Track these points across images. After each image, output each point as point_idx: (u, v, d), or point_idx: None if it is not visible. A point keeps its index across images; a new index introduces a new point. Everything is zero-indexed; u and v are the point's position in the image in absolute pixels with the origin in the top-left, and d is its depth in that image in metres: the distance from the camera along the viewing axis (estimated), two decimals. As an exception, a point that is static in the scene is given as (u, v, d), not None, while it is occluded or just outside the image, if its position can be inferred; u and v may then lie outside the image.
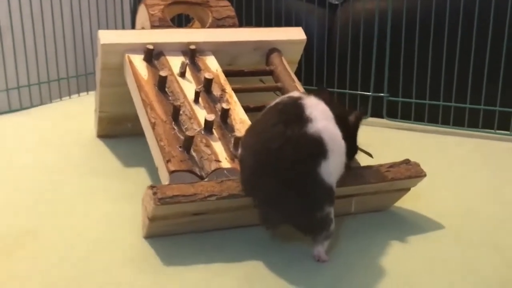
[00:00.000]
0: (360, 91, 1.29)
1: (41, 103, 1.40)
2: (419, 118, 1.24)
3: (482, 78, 1.16)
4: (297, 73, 1.31)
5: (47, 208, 0.83)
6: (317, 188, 0.66)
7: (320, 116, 0.69)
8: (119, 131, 1.10)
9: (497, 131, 1.17)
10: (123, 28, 1.56)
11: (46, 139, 1.13)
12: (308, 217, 0.67)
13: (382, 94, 1.26)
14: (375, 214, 0.83)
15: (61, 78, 1.45)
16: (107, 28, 1.54)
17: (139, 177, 0.93)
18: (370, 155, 0.86)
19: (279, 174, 0.65)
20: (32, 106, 1.38)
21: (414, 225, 0.81)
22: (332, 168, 0.67)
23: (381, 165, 0.80)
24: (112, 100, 1.04)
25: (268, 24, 1.35)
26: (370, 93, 1.28)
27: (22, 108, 1.36)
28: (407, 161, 0.81)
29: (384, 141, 1.18)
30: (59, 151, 1.05)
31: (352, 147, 0.76)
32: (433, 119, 1.23)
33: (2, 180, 0.93)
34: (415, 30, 1.21)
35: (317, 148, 0.66)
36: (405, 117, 1.25)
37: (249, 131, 0.72)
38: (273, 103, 0.73)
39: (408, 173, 0.79)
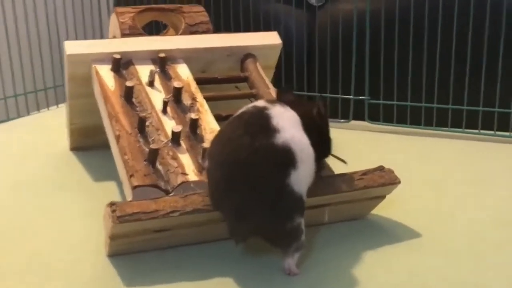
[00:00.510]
0: (341, 94, 1.26)
1: (18, 116, 1.37)
2: (401, 121, 1.22)
3: (464, 78, 1.13)
4: (278, 78, 1.29)
5: (6, 226, 0.80)
6: (287, 199, 0.64)
7: (287, 125, 0.67)
8: (92, 143, 1.07)
9: (481, 131, 1.14)
10: (102, 38, 1.53)
11: (17, 153, 1.10)
12: (277, 228, 0.64)
13: (363, 97, 1.24)
14: (350, 223, 0.80)
15: (38, 90, 1.43)
16: (85, 38, 1.52)
17: (109, 192, 0.90)
18: (344, 162, 0.83)
19: (246, 186, 0.63)
20: (8, 119, 1.35)
21: (390, 233, 0.78)
22: (302, 178, 0.65)
23: (354, 173, 0.77)
24: (82, 111, 1.01)
25: (247, 28, 1.33)
26: (351, 96, 1.25)
27: (9, 119, 1.34)
28: (381, 168, 0.78)
29: (365, 145, 1.15)
30: (28, 166, 1.03)
31: (324, 143, 0.73)
32: (416, 121, 1.20)
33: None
34: (394, 32, 1.18)
35: (286, 158, 0.64)
36: (388, 120, 1.23)
37: (214, 142, 0.70)
38: (238, 113, 0.71)
39: (382, 180, 0.76)
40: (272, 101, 0.72)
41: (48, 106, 1.44)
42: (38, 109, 1.41)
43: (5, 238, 0.78)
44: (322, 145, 0.72)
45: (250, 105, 0.71)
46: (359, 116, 1.26)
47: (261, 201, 0.63)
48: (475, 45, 1.13)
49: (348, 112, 1.26)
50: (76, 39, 1.46)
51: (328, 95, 1.27)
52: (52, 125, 1.26)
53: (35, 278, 0.68)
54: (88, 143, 1.07)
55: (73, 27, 1.49)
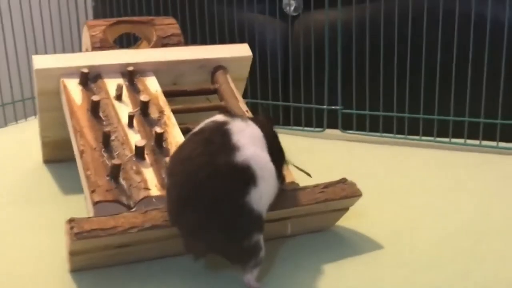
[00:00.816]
0: (315, 104, 1.27)
1: None
2: (374, 129, 1.23)
3: (435, 87, 1.14)
4: (253, 88, 1.30)
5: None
6: (245, 217, 0.64)
7: (248, 142, 0.67)
8: (65, 155, 1.07)
9: (452, 140, 1.15)
10: (80, 50, 1.53)
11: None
12: (235, 247, 0.65)
13: (336, 107, 1.25)
14: (314, 235, 0.81)
15: (15, 101, 1.43)
16: (63, 49, 1.52)
17: (78, 206, 0.90)
18: (308, 174, 0.84)
19: (203, 205, 0.63)
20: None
21: (353, 245, 0.79)
22: (262, 195, 0.66)
23: (316, 186, 0.78)
24: (53, 124, 1.01)
25: (222, 39, 1.33)
26: (324, 106, 1.26)
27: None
28: (343, 181, 0.79)
29: (337, 154, 1.16)
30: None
31: (280, 152, 0.74)
32: (388, 129, 1.21)
33: None
34: (365, 42, 1.19)
35: (245, 176, 0.64)
36: (361, 128, 1.24)
37: (173, 159, 0.70)
38: (197, 128, 0.71)
39: (344, 193, 0.77)
40: (232, 115, 0.72)
41: (16, 119, 1.43)
42: (5, 123, 1.41)
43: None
44: (279, 155, 0.72)
45: (209, 120, 0.71)
46: (333, 125, 1.27)
47: (218, 220, 0.63)
48: (444, 55, 1.14)
49: (322, 121, 1.27)
50: (54, 51, 1.47)
51: (302, 105, 1.28)
52: (23, 138, 1.26)
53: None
54: (62, 155, 1.08)
55: (51, 39, 1.49)
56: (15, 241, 0.81)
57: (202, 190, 0.63)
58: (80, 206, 0.90)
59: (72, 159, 1.07)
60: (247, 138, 0.67)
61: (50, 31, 1.49)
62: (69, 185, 0.99)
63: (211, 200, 0.63)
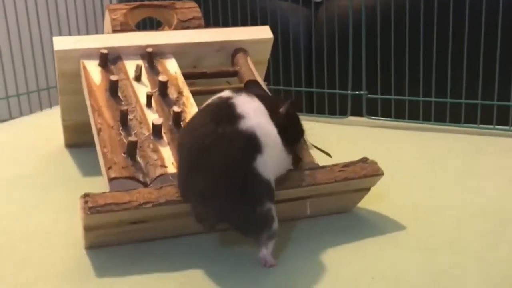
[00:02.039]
0: (339, 89, 1.25)
1: (11, 118, 1.38)
2: (400, 116, 1.20)
3: (462, 71, 1.11)
4: (276, 74, 1.29)
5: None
6: (254, 182, 0.63)
7: (252, 113, 0.67)
8: (86, 140, 1.07)
9: (480, 126, 1.12)
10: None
11: (12, 151, 1.11)
12: (247, 213, 0.63)
13: (361, 92, 1.22)
14: (335, 216, 0.79)
15: (30, 92, 1.44)
16: (87, 33, 1.53)
17: (97, 187, 0.90)
18: (329, 155, 0.82)
19: (212, 171, 0.63)
20: (1, 121, 1.36)
21: (374, 227, 0.76)
22: (269, 163, 0.65)
23: (335, 165, 0.76)
24: (74, 108, 1.01)
25: (244, 25, 1.32)
26: (348, 91, 1.23)
27: (0, 121, 1.35)
28: (364, 160, 0.77)
29: (361, 140, 1.13)
30: (22, 162, 1.03)
31: (289, 139, 0.72)
32: (414, 116, 1.18)
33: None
34: (390, 26, 1.17)
35: (251, 143, 0.64)
36: (386, 115, 1.21)
37: (182, 132, 0.70)
38: (204, 104, 0.71)
39: (364, 172, 0.75)
40: (237, 91, 0.72)
41: (41, 108, 1.44)
42: (31, 111, 1.42)
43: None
44: (289, 135, 0.71)
45: (216, 96, 0.71)
46: (357, 112, 1.24)
47: (227, 185, 0.62)
48: (472, 39, 1.10)
49: (346, 108, 1.25)
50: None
51: (326, 90, 1.26)
52: (48, 124, 1.27)
53: (11, 266, 0.68)
54: (83, 139, 1.08)
55: (67, 27, 1.50)
56: (35, 220, 0.81)
57: (208, 157, 0.63)
58: (99, 188, 0.89)
59: (93, 144, 1.08)
60: (251, 110, 0.67)
61: (74, 16, 1.50)
62: (89, 168, 0.98)
63: (218, 166, 0.62)
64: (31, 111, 1.44)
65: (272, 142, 0.66)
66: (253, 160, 0.63)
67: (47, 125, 1.27)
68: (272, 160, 0.65)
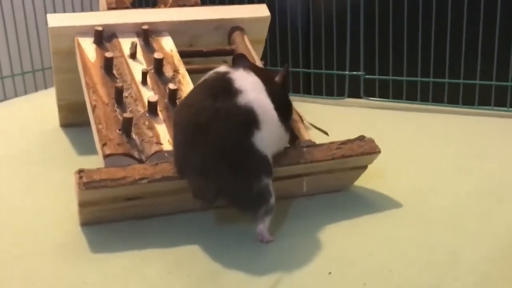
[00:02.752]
0: (336, 70, 1.24)
1: (5, 98, 1.37)
2: (397, 96, 1.19)
3: (461, 52, 1.10)
4: (273, 55, 1.27)
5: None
6: (252, 157, 0.63)
7: (250, 88, 0.66)
8: (81, 119, 1.06)
9: (478, 106, 1.11)
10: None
11: (7, 130, 1.10)
12: (244, 188, 0.63)
13: (358, 73, 1.21)
14: (332, 194, 0.78)
15: (25, 72, 1.42)
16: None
17: (92, 165, 0.89)
18: (326, 133, 0.81)
19: (209, 146, 0.62)
20: (5, 98, 1.35)
21: (372, 204, 0.76)
22: (266, 139, 0.64)
23: (332, 143, 0.75)
24: (68, 87, 1.00)
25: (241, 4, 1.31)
26: (346, 72, 1.22)
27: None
28: (361, 138, 0.76)
29: (359, 121, 1.13)
30: (18, 141, 1.03)
31: (286, 108, 0.72)
32: (412, 97, 1.18)
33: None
34: (389, 6, 1.15)
35: (248, 118, 0.64)
36: (384, 95, 1.20)
37: (178, 108, 0.69)
38: (201, 79, 0.70)
39: (361, 149, 0.74)
40: (234, 66, 0.71)
41: (36, 89, 1.43)
42: (25, 92, 1.41)
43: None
44: (283, 108, 0.70)
45: (212, 71, 0.70)
46: (355, 93, 1.24)
47: (225, 160, 0.62)
48: (470, 19, 1.09)
49: (343, 89, 1.24)
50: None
51: (323, 71, 1.25)
52: (43, 104, 1.26)
53: (7, 240, 0.68)
54: (78, 119, 1.07)
55: (62, 7, 1.48)
56: (30, 197, 0.80)
57: (206, 133, 0.62)
58: (95, 166, 0.89)
59: (88, 124, 1.07)
60: (249, 85, 0.66)
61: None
62: (84, 147, 0.98)
63: (215, 141, 0.62)
64: (26, 92, 1.42)
65: (269, 118, 0.66)
66: (251, 135, 0.63)
67: (42, 106, 1.26)
68: (269, 135, 0.65)
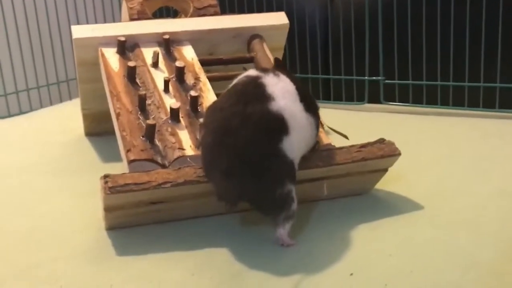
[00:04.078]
0: (356, 76, 1.25)
1: (31, 110, 1.40)
2: (417, 101, 1.19)
3: (480, 54, 1.10)
4: (292, 61, 1.29)
5: (19, 199, 0.84)
6: (278, 163, 0.64)
7: (281, 94, 0.67)
8: (106, 128, 1.09)
9: (499, 109, 1.11)
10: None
11: (33, 139, 1.13)
12: (268, 193, 0.64)
13: (378, 78, 1.22)
14: (353, 198, 0.79)
15: (50, 84, 1.46)
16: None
17: (116, 172, 0.91)
18: (346, 137, 0.82)
19: (237, 149, 0.63)
20: (21, 112, 1.38)
21: (392, 207, 0.76)
22: (294, 145, 0.65)
23: (352, 146, 0.76)
24: (93, 96, 1.03)
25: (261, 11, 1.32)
26: (365, 77, 1.23)
27: (21, 113, 1.37)
28: (381, 140, 0.77)
29: (379, 126, 1.13)
30: (43, 151, 1.05)
31: (315, 113, 0.73)
32: (432, 101, 1.18)
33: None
34: (407, 11, 1.16)
35: (278, 124, 0.65)
36: (403, 100, 1.20)
37: (208, 112, 0.70)
38: (232, 84, 0.71)
39: (381, 152, 0.75)
40: (264, 70, 0.72)
41: (61, 99, 1.46)
42: (51, 103, 1.44)
43: (16, 210, 0.81)
44: (313, 114, 0.71)
45: (243, 75, 0.71)
46: (374, 98, 1.24)
47: (251, 164, 0.62)
48: (489, 23, 1.09)
49: (363, 94, 1.24)
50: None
51: (342, 77, 1.26)
52: (68, 114, 1.29)
53: (34, 245, 0.70)
54: (102, 128, 1.09)
55: (85, 20, 1.52)
56: (56, 203, 0.82)
57: (235, 136, 0.63)
58: (119, 173, 0.91)
59: (112, 132, 1.09)
60: (280, 91, 0.67)
61: (92, 8, 1.52)
62: (109, 155, 1.00)
63: (243, 145, 0.62)
64: (51, 103, 1.46)
65: (299, 125, 0.66)
66: (279, 141, 0.63)
67: (67, 116, 1.29)
68: (298, 142, 0.66)
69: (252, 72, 0.71)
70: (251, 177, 0.63)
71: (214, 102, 0.71)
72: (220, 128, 0.64)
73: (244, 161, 0.62)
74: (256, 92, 0.66)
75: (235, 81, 0.71)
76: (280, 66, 0.76)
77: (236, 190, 0.63)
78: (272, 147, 0.63)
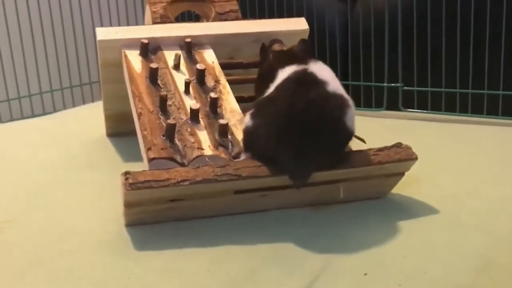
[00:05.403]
0: (375, 82, 1.25)
1: (55, 111, 1.43)
2: (436, 108, 1.19)
3: (499, 62, 1.10)
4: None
5: (43, 195, 0.86)
6: (345, 134, 0.73)
7: (331, 78, 0.77)
8: (127, 129, 1.10)
9: (518, 118, 1.11)
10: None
11: (56, 139, 1.15)
12: (338, 154, 0.74)
13: (397, 84, 1.22)
14: (369, 201, 0.79)
15: (73, 86, 1.49)
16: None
17: (137, 170, 0.93)
18: (363, 141, 0.82)
19: (308, 131, 0.70)
20: (44, 113, 1.41)
21: (408, 210, 0.77)
22: (353, 118, 0.74)
23: (369, 149, 0.76)
24: (115, 97, 1.05)
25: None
26: (384, 84, 1.24)
27: (45, 113, 1.40)
28: (398, 145, 0.77)
29: (397, 132, 1.13)
30: (65, 149, 1.08)
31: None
32: (451, 108, 1.18)
33: (2, 175, 0.96)
34: (427, 17, 1.16)
35: (342, 101, 0.74)
36: (422, 107, 1.21)
37: (263, 104, 0.75)
38: (282, 79, 0.77)
39: (398, 156, 0.76)
40: (303, 60, 0.79)
41: (84, 101, 1.49)
42: (73, 104, 1.47)
43: (38, 203, 0.83)
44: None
45: (287, 73, 0.77)
46: (393, 105, 1.25)
47: (327, 138, 0.71)
48: (509, 30, 1.09)
49: (382, 100, 1.25)
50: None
51: (361, 83, 1.27)
52: (91, 115, 1.31)
53: (56, 236, 0.73)
54: (124, 129, 1.11)
55: (108, 23, 1.55)
56: (77, 199, 0.84)
57: (305, 116, 0.70)
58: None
59: (133, 133, 1.11)
60: (328, 75, 0.77)
61: (116, 12, 1.55)
62: (129, 155, 1.02)
63: (312, 125, 0.70)
64: (74, 105, 1.49)
65: (351, 101, 0.76)
66: (344, 114, 0.73)
67: (90, 117, 1.31)
68: (353, 115, 0.75)
69: (293, 67, 0.78)
70: (328, 149, 0.72)
71: (267, 98, 0.76)
72: (286, 114, 0.71)
73: (318, 138, 0.70)
74: (310, 80, 0.75)
75: (281, 79, 0.77)
76: (307, 48, 0.85)
77: (314, 164, 0.71)
78: (341, 121, 0.72)
